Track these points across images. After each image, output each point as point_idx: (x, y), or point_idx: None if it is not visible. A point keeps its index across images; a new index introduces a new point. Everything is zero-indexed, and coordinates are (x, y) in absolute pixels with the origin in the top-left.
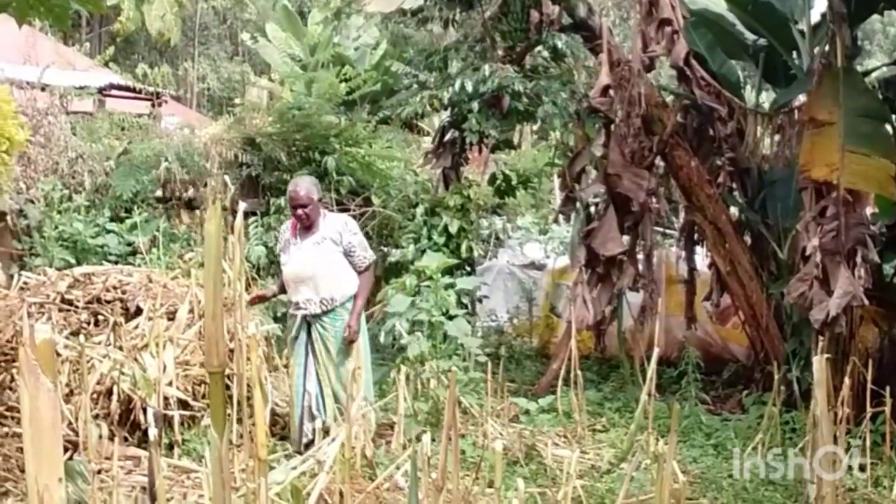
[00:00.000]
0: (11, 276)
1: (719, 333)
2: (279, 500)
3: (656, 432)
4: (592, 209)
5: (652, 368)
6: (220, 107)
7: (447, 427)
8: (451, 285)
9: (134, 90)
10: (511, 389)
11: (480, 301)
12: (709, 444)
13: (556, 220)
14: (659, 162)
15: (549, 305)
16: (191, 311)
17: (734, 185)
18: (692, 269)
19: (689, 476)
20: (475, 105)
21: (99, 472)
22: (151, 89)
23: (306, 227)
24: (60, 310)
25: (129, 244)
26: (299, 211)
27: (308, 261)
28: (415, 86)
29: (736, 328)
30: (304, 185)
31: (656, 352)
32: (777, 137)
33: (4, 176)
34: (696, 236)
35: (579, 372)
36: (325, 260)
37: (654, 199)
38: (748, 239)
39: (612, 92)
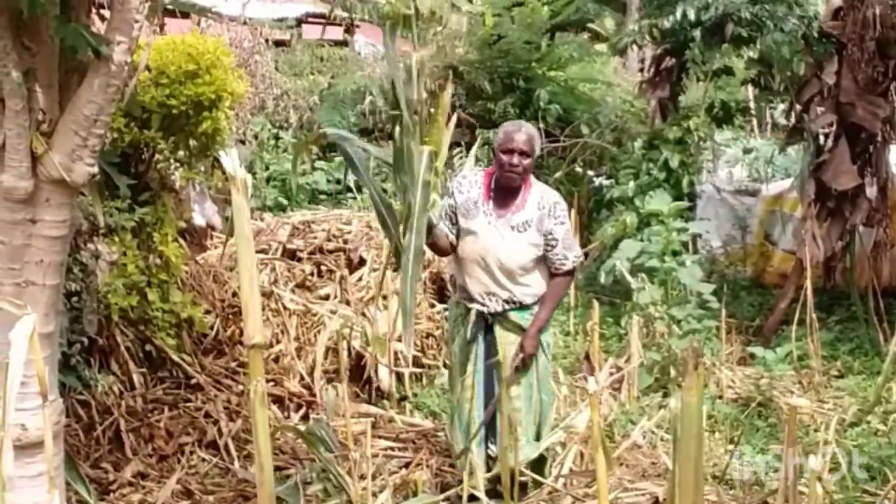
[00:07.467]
0: (226, 219)
1: None
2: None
3: None
4: (822, 140)
5: None
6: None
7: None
8: (684, 230)
9: (328, 18)
10: (732, 326)
11: (700, 237)
12: None
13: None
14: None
15: (763, 233)
16: None
17: None
18: None
19: None
20: (697, 33)
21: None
22: (345, 15)
23: (508, 191)
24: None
25: (338, 181)
26: (516, 158)
27: (505, 250)
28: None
29: None
30: (528, 128)
31: None
32: None
33: (228, 130)
34: None
35: (814, 316)
36: (526, 254)
37: (888, 128)
38: None
39: (843, 14)
